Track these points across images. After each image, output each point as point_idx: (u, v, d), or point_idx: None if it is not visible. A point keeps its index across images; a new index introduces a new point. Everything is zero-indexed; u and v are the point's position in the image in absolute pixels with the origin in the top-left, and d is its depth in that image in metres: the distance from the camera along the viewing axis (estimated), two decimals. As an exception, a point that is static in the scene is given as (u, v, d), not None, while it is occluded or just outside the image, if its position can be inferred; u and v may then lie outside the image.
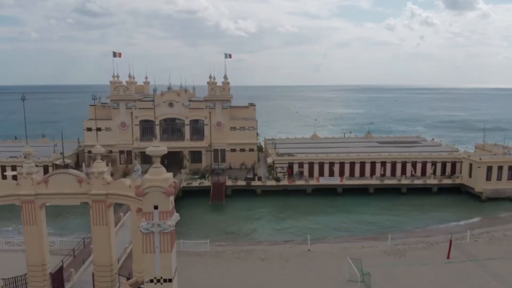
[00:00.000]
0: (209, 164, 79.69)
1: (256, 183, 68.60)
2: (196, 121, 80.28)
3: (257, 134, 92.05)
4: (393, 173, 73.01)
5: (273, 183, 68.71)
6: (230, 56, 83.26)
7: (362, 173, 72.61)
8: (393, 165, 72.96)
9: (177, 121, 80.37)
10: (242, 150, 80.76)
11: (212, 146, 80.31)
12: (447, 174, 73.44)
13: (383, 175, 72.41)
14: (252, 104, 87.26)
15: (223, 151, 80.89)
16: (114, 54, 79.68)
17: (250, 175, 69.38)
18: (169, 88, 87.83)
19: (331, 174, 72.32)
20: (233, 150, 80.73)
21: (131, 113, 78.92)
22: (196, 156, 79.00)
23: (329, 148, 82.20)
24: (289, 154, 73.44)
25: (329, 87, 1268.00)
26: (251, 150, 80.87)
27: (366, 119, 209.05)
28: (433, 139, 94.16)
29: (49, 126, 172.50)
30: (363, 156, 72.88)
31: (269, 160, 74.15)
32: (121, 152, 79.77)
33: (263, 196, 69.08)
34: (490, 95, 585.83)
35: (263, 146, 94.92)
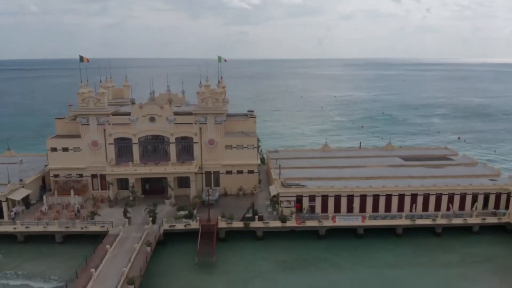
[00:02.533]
0: (199, 190, 66.07)
1: (256, 224, 55.03)
2: (184, 138, 65.99)
3: (259, 145, 78.15)
4: (425, 208, 59.20)
5: (277, 223, 55.13)
6: (225, 60, 68.10)
7: (387, 208, 58.81)
8: (426, 198, 59.03)
9: (160, 138, 66.08)
10: (240, 172, 66.86)
11: (203, 168, 66.38)
12: (490, 209, 59.62)
13: (413, 210, 58.71)
14: (252, 115, 72.60)
15: (216, 173, 66.98)
16: (81, 59, 64.78)
17: (249, 214, 55.70)
18: (151, 94, 73.16)
19: (350, 209, 58.59)
20: (228, 173, 66.83)
21: (104, 130, 64.61)
22: (184, 180, 65.26)
23: (343, 169, 68.29)
24: (297, 185, 59.44)
25: (332, 61, 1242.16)
26: (251, 172, 66.94)
27: (377, 107, 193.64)
28: (464, 154, 79.49)
29: (32, 118, 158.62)
30: (389, 188, 58.81)
31: (273, 191, 60.29)
32: (93, 176, 65.98)
33: (265, 240, 55.59)
34: (499, 72, 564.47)
35: (265, 159, 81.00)
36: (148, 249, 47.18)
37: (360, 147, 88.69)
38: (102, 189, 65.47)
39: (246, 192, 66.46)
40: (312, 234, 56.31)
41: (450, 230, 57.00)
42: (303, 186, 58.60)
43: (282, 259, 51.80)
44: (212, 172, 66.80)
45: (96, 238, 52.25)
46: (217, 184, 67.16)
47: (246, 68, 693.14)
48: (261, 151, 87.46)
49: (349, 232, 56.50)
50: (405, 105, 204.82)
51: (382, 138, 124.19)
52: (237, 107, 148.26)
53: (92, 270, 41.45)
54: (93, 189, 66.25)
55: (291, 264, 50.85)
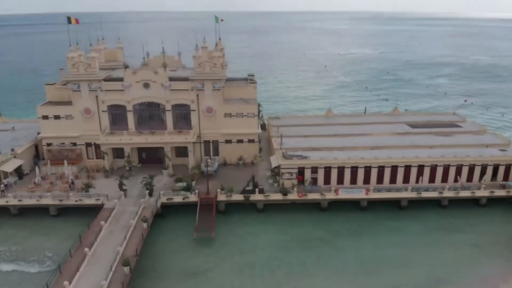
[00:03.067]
0: (198, 160, 63.85)
1: (256, 197, 53.17)
2: (181, 106, 62.84)
3: (259, 110, 75.24)
4: (431, 179, 57.03)
5: (278, 196, 53.26)
6: (221, 20, 63.45)
7: (392, 180, 56.66)
8: (433, 169, 56.70)
9: (155, 106, 62.96)
10: (240, 141, 64.26)
11: (201, 137, 63.73)
12: (498, 181, 57.39)
13: (419, 182, 56.61)
14: (252, 81, 68.91)
15: (215, 142, 64.42)
16: (69, 20, 60.42)
17: (249, 187, 53.68)
18: (145, 59, 69.18)
19: (353, 181, 56.48)
20: (228, 142, 64.25)
21: (96, 96, 61.40)
22: (182, 149, 62.81)
23: (348, 137, 65.57)
24: (299, 156, 56.93)
25: (339, 14, 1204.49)
26: (251, 141, 64.33)
27: (382, 66, 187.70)
28: (473, 122, 76.11)
29: (26, 79, 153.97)
30: (395, 159, 56.28)
31: (274, 163, 57.93)
32: (87, 145, 63.56)
33: (266, 212, 53.98)
34: (508, 28, 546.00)
35: (266, 125, 78.25)
36: (145, 225, 45.58)
37: (365, 112, 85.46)
38: (97, 158, 63.31)
39: (246, 162, 64.21)
40: (314, 206, 54.65)
41: (457, 202, 55.17)
42: (305, 157, 56.16)
43: (283, 233, 50.33)
44: (211, 141, 64.19)
45: (92, 210, 50.72)
46: (216, 153, 64.82)
47: (248, 22, 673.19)
48: (262, 116, 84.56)
49: (352, 205, 54.77)
50: (411, 64, 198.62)
51: (387, 100, 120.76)
52: (236, 66, 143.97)
53: (86, 249, 39.94)
54: (88, 158, 64.06)
55: (292, 237, 49.41)
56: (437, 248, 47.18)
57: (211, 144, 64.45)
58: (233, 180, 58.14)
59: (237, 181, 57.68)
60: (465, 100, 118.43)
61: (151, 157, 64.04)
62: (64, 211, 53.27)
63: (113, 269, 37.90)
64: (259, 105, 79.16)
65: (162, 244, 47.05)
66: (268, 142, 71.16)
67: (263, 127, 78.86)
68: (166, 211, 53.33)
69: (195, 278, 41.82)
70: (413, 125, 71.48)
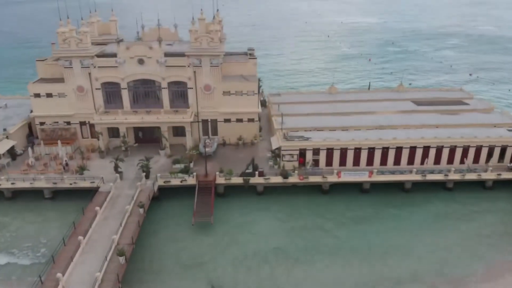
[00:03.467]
0: (196, 139, 61.98)
1: (256, 180, 51.57)
2: (177, 83, 60.25)
3: (259, 85, 72.75)
4: (437, 161, 55.26)
5: (279, 179, 51.67)
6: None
7: (397, 161, 54.91)
8: (439, 151, 54.81)
9: (151, 83, 60.39)
10: (239, 120, 62.09)
11: (199, 116, 61.55)
12: (506, 163, 55.61)
13: (424, 163, 54.89)
14: (252, 56, 65.99)
15: (214, 122, 62.28)
16: (56, -9, 56.88)
17: (249, 170, 51.97)
18: (139, 33, 65.91)
19: (356, 162, 54.73)
20: (227, 121, 62.09)
21: (89, 73, 58.77)
22: (179, 128, 60.72)
23: (351, 116, 63.49)
24: (301, 137, 54.87)
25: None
26: (251, 120, 62.16)
27: (386, 36, 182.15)
28: (480, 99, 73.43)
29: (22, 51, 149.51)
30: (400, 140, 54.27)
31: (274, 144, 55.94)
32: (82, 123, 61.47)
33: (266, 195, 52.55)
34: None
35: (266, 101, 75.91)
36: (141, 211, 44.21)
37: (369, 88, 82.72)
38: (92, 137, 61.35)
39: (246, 141, 62.29)
40: (315, 189, 53.19)
41: (462, 184, 53.66)
42: (307, 139, 54.16)
43: (283, 217, 49.13)
44: (209, 120, 62.02)
45: (88, 192, 49.31)
46: (215, 133, 62.79)
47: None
48: (262, 91, 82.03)
49: (354, 187, 53.30)
50: (416, 34, 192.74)
51: (391, 73, 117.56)
52: (235, 37, 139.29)
53: (80, 238, 38.70)
54: (82, 137, 62.15)
55: (293, 222, 48.21)
56: (441, 233, 46.05)
57: (209, 123, 62.32)
58: (232, 161, 56.49)
59: (236, 162, 56.04)
60: (470, 74, 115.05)
61: (148, 136, 62.08)
62: (59, 194, 51.95)
63: (108, 259, 36.75)
64: (259, 80, 76.46)
65: (159, 230, 45.84)
66: (269, 121, 68.99)
67: (263, 103, 76.46)
68: (163, 194, 51.96)
69: (192, 267, 40.71)
70: (418, 103, 69.06)
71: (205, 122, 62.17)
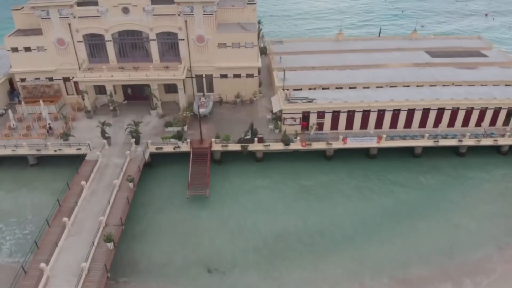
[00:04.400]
0: (190, 96, 57.23)
1: (255, 146, 47.72)
2: (167, 34, 54.08)
3: (259, 29, 66.65)
4: (451, 123, 50.98)
5: (279, 146, 47.82)
6: None
7: (408, 124, 50.67)
8: (454, 113, 50.30)
9: (138, 34, 54.21)
10: (237, 76, 56.81)
11: (192, 71, 56.17)
12: (527, 124, 51.42)
13: (439, 127, 50.76)
14: (251, 1, 58.84)
15: (209, 77, 57.02)
16: None
17: (248, 136, 47.87)
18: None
19: (364, 125, 50.45)
20: (223, 77, 56.83)
21: (69, 24, 52.47)
22: (171, 84, 55.63)
23: (359, 70, 58.14)
24: (304, 99, 49.93)
25: None
26: (250, 76, 56.86)
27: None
28: (499, 50, 66.77)
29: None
30: (413, 102, 49.49)
31: (275, 107, 51.13)
32: (65, 79, 56.30)
33: (265, 161, 49.06)
34: None
35: (267, 49, 69.92)
36: (131, 185, 40.92)
37: (379, 35, 75.76)
38: (77, 93, 56.27)
39: (245, 99, 57.55)
40: (318, 154, 49.59)
41: (476, 149, 50.01)
42: (311, 101, 49.38)
43: (283, 185, 45.93)
44: (204, 76, 56.74)
45: (75, 158, 45.76)
46: (210, 89, 57.83)
47: None
48: (263, 36, 75.55)
49: (360, 151, 49.67)
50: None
51: (402, 11, 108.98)
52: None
53: (65, 219, 35.77)
54: (67, 94, 57.38)
55: (294, 190, 45.16)
56: (452, 205, 43.06)
57: (204, 79, 57.14)
58: (229, 123, 52.32)
59: (234, 124, 51.93)
60: (486, 15, 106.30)
61: (137, 93, 57.07)
62: (45, 159, 48.52)
63: (95, 244, 34.14)
64: (259, 23, 69.96)
65: (150, 205, 42.55)
66: (269, 73, 63.61)
67: (263, 51, 70.55)
68: (156, 160, 48.55)
69: (186, 245, 38.22)
70: (433, 53, 63.12)
71: (199, 77, 56.95)
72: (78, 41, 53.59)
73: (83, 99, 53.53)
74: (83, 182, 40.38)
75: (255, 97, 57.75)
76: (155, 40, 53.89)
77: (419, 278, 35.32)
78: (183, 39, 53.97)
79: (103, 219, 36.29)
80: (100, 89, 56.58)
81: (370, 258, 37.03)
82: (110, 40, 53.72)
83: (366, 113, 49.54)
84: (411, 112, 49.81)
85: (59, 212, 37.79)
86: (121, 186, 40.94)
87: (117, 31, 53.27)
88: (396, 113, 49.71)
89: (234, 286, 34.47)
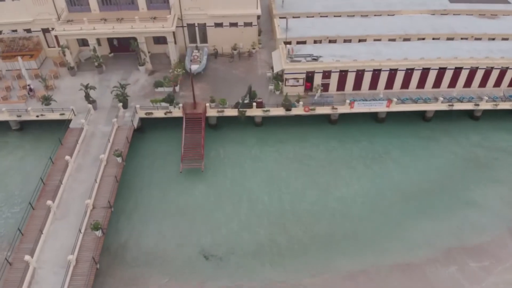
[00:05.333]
0: (182, 48, 52.14)
1: (254, 112, 43.86)
2: (154, -22, 47.62)
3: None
4: (467, 83, 46.52)
5: (280, 111, 43.97)
6: None
7: (421, 84, 46.25)
8: (472, 72, 45.63)
9: (121, -21, 47.71)
10: (233, 25, 51.09)
11: (183, 20, 50.37)
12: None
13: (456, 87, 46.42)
14: None
15: (202, 27, 51.34)
16: None
17: (246, 100, 43.74)
18: None
19: (374, 86, 46.06)
20: (218, 25, 51.12)
21: (40, -32, 45.91)
22: (161, 36, 50.22)
23: (370, 19, 52.31)
24: (308, 57, 44.78)
25: None
26: (248, 25, 51.12)
27: None
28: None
29: None
30: (428, 61, 44.42)
31: (276, 66, 46.06)
32: (45, 31, 50.73)
33: (265, 126, 45.61)
34: None
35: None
36: (119, 159, 37.99)
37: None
38: (59, 46, 51.19)
39: (243, 51, 52.39)
40: (322, 118, 45.97)
41: (491, 113, 46.23)
42: (316, 59, 44.45)
43: (284, 152, 43.00)
44: (196, 25, 51.05)
45: (59, 123, 42.39)
46: (204, 40, 52.41)
47: None
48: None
49: (368, 114, 45.96)
50: None
51: None
52: None
53: (49, 202, 33.39)
54: (48, 47, 52.19)
55: (295, 158, 42.34)
56: (462, 180, 40.26)
57: (196, 29, 51.52)
58: (226, 82, 47.95)
59: (231, 83, 47.68)
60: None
61: (125, 44, 51.73)
62: (28, 123, 45.04)
63: (82, 232, 32.14)
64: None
65: (140, 180, 39.53)
66: (270, 17, 57.63)
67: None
68: (146, 125, 45.08)
69: (179, 224, 36.26)
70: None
71: (191, 27, 51.32)
72: (53, -13, 47.32)
73: (64, 55, 48.58)
74: (67, 157, 37.41)
75: (254, 48, 52.58)
76: (139, -15, 47.58)
77: (423, 261, 33.79)
78: (172, -16, 47.61)
79: (90, 202, 33.92)
80: (83, 41, 51.17)
81: (374, 241, 35.28)
82: (89, -15, 47.44)
83: (376, 73, 44.96)
84: (425, 72, 45.18)
85: (43, 192, 35.29)
86: (109, 161, 38.04)
87: (96, -26, 46.80)
88: (409, 72, 45.10)
89: (232, 273, 32.98)
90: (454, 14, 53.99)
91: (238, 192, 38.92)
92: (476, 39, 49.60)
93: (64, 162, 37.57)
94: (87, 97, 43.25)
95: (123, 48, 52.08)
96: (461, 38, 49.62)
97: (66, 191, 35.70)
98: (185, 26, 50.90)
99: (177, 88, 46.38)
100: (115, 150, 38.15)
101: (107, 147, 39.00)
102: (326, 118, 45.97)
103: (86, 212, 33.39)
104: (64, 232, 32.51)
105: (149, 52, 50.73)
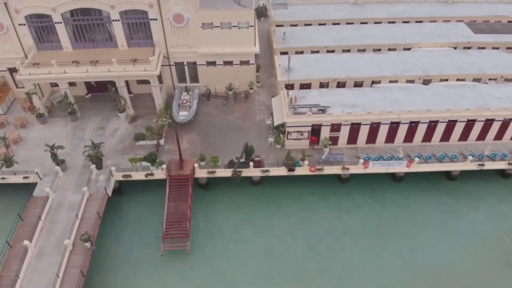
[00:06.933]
0: (170, 88, 45.73)
1: (251, 172, 37.34)
2: (135, 12, 40.91)
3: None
4: (498, 136, 39.97)
5: (282, 172, 37.44)
6: None
7: (445, 137, 39.72)
8: (505, 124, 39.11)
9: (96, 14, 41.06)
10: (228, 63, 44.57)
11: (170, 58, 43.86)
12: None
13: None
14: (245, -37, 44.33)
15: (192, 65, 44.81)
16: None
17: (242, 158, 37.18)
18: None
19: (390, 139, 39.51)
20: (211, 64, 44.60)
21: (5, 4, 39.16)
22: (145, 75, 43.63)
23: (385, 55, 45.73)
24: (314, 108, 38.06)
25: None
26: (245, 63, 44.60)
27: None
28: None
29: None
30: (456, 112, 37.91)
31: (278, 118, 39.30)
32: (12, 70, 44.19)
33: (264, 185, 39.13)
34: None
35: (266, 10, 56.70)
36: (88, 245, 31.47)
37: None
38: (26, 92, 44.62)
39: (239, 91, 45.90)
40: (330, 178, 39.44)
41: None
42: (324, 109, 37.82)
43: (287, 219, 36.65)
44: (185, 63, 44.54)
45: (25, 186, 36.00)
46: (195, 79, 45.91)
47: None
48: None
49: (383, 173, 39.45)
50: None
51: None
52: None
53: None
54: (17, 87, 45.69)
55: (299, 224, 36.09)
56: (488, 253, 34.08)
57: (186, 67, 45.00)
58: (219, 130, 41.52)
59: (224, 132, 41.22)
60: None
61: (104, 84, 45.01)
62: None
63: None
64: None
65: (113, 266, 33.05)
66: (270, 51, 51.20)
67: (261, 13, 57.32)
68: (125, 186, 38.62)
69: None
70: (475, 27, 49.91)
71: (179, 65, 44.80)
72: (19, 24, 40.64)
73: (31, 102, 42.05)
74: (26, 242, 30.91)
75: (251, 88, 46.10)
76: (118, 20, 40.90)
77: None
78: (156, 19, 40.97)
79: (50, 302, 27.50)
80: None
81: None
82: (61, 22, 40.75)
83: (394, 125, 38.38)
84: (451, 124, 38.61)
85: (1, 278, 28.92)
86: (75, 246, 31.55)
87: (67, 10, 40.08)
88: (432, 125, 38.53)
89: None
90: (478, 48, 47.58)
91: (232, 280, 32.44)
92: (506, 79, 43.14)
93: (22, 248, 31.11)
94: (54, 157, 36.68)
95: (101, 88, 45.26)
96: (489, 79, 43.15)
97: (24, 282, 29.26)
98: (172, 65, 44.40)
99: (161, 141, 39.90)
100: (82, 234, 31.46)
101: (74, 226, 32.46)
102: (336, 177, 39.44)
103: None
104: None
105: (131, 93, 44.59)
